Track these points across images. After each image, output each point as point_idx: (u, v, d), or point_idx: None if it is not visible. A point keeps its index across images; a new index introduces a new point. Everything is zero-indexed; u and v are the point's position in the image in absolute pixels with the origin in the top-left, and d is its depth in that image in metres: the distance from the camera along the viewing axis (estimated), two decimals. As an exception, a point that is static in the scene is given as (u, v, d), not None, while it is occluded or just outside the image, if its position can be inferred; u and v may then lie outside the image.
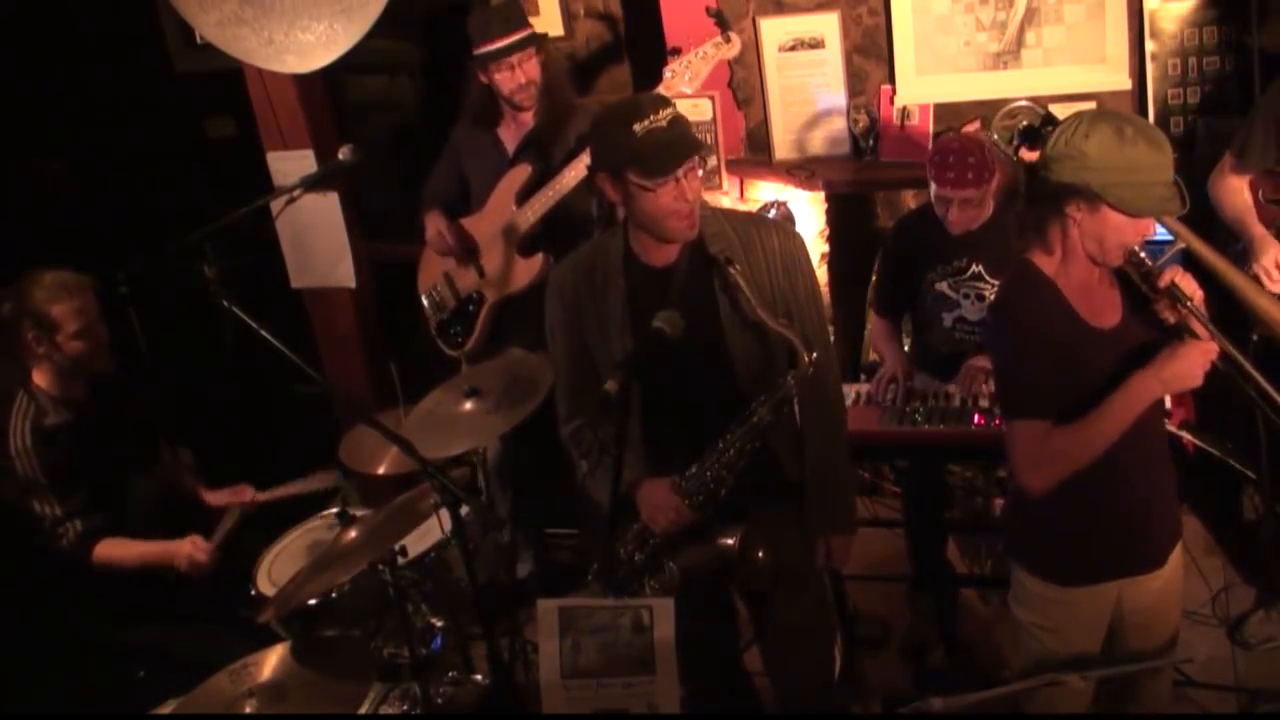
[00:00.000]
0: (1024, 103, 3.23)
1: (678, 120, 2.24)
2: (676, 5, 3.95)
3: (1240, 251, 3.14)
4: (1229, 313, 2.71)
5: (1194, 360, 2.08)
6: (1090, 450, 2.14)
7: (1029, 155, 2.67)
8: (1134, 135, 2.02)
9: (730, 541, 2.38)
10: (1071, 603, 2.34)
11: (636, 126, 2.20)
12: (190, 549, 2.99)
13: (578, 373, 2.50)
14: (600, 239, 2.53)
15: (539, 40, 3.42)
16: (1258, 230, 3.08)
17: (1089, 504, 2.23)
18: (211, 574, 3.01)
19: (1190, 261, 2.75)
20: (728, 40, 3.32)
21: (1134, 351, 2.20)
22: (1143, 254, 2.14)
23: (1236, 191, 3.12)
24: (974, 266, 3.24)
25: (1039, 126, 2.95)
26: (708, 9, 3.65)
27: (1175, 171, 2.07)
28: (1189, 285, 2.13)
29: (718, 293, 2.35)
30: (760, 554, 2.38)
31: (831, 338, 2.79)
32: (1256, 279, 3.05)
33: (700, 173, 2.29)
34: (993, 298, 2.40)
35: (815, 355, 2.27)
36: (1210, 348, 2.09)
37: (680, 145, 2.23)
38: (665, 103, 2.26)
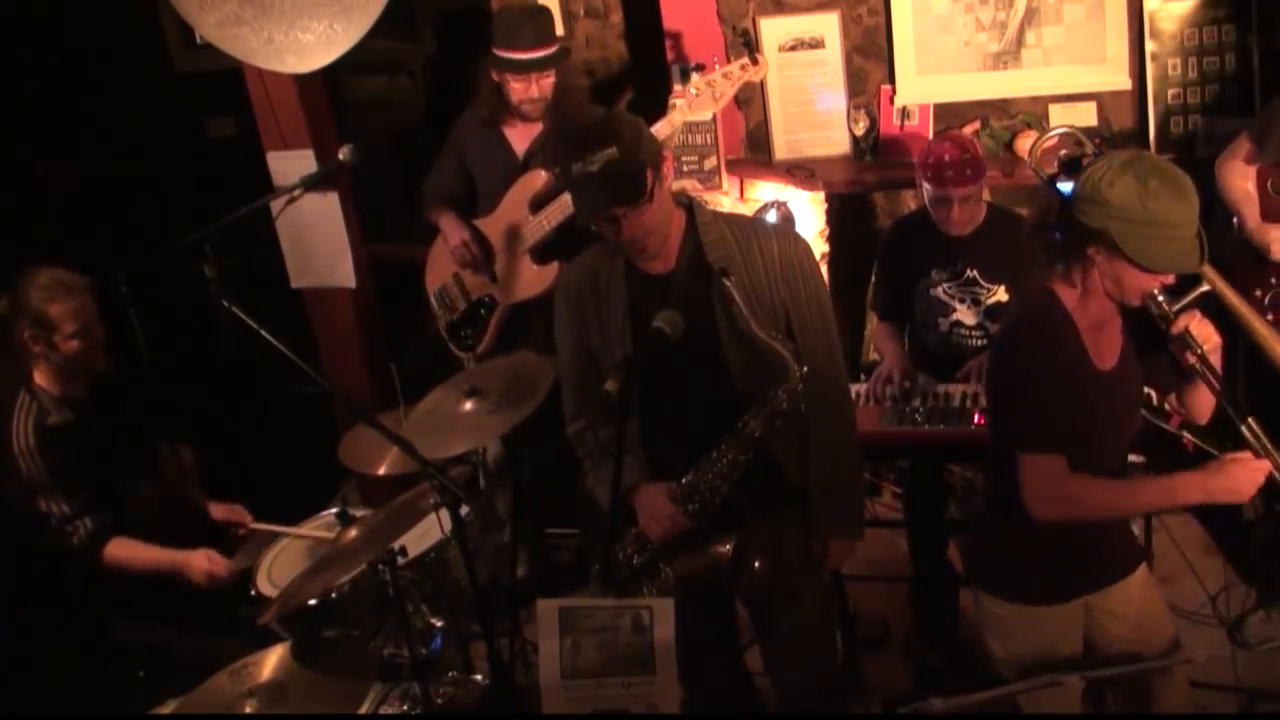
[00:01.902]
0: (1064, 129, 3.26)
1: (612, 164, 2.15)
2: (683, 18, 3.95)
3: (1242, 240, 3.16)
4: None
5: (1244, 479, 2.08)
6: (1104, 512, 2.18)
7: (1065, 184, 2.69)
8: (1158, 188, 2.01)
9: (724, 549, 2.37)
10: (1039, 623, 2.34)
11: (574, 166, 2.18)
12: (207, 564, 2.97)
13: (583, 375, 2.50)
14: (605, 245, 2.52)
15: (564, 58, 3.39)
16: (1253, 223, 3.14)
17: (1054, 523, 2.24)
18: (225, 589, 3.01)
19: (1213, 302, 2.76)
20: (755, 63, 3.31)
21: (1126, 394, 2.22)
22: (1161, 297, 2.13)
23: (1243, 177, 3.16)
24: (969, 271, 3.24)
25: (1079, 157, 2.96)
26: (734, 28, 3.65)
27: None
28: (1204, 331, 2.13)
29: (715, 301, 2.35)
30: (756, 564, 2.38)
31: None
32: (1270, 275, 3.10)
33: (647, 206, 2.20)
34: (1006, 322, 2.41)
35: (805, 369, 2.27)
36: (1261, 467, 2.08)
37: (600, 196, 2.18)
38: (607, 140, 2.16)
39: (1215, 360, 2.15)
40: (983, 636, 2.44)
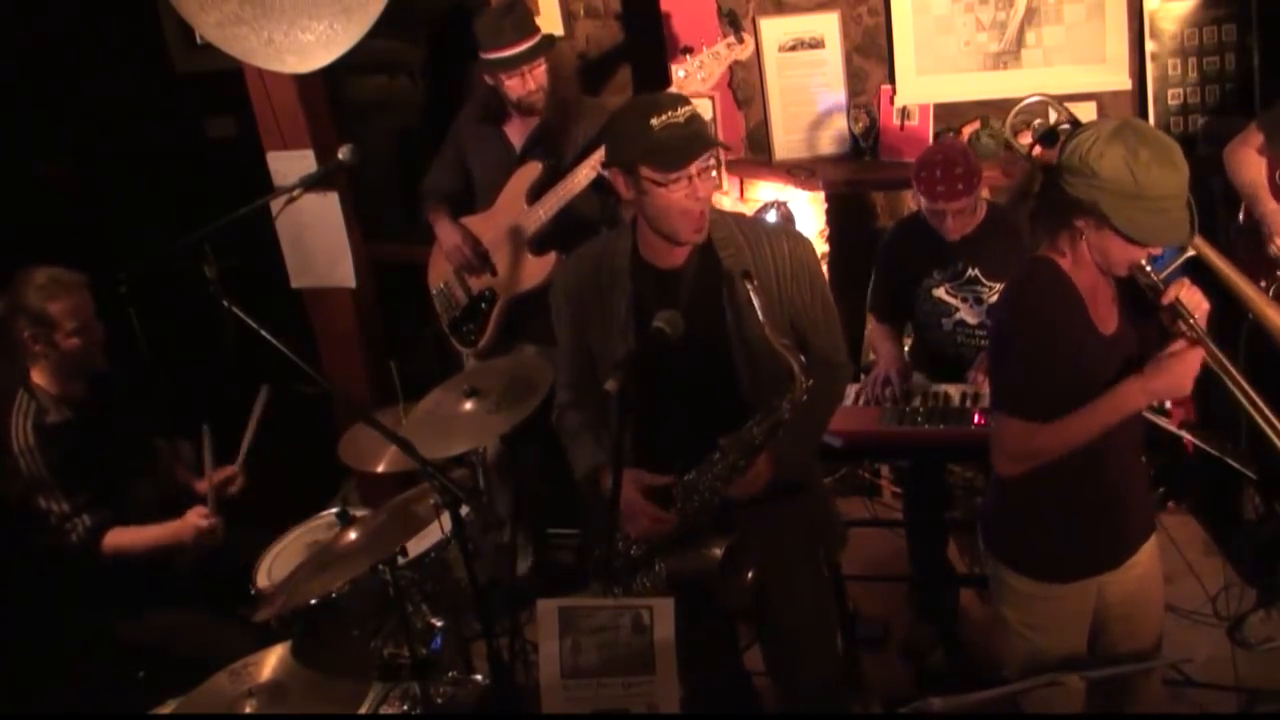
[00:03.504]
0: (1037, 97, 3.24)
1: (696, 117, 2.24)
2: (679, 4, 3.95)
3: (1245, 227, 3.15)
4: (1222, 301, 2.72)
5: (1181, 372, 2.10)
6: (1068, 448, 2.16)
7: (1045, 154, 2.66)
8: (1149, 159, 1.98)
9: (716, 552, 2.34)
10: (1057, 599, 2.35)
11: (654, 121, 2.19)
12: (194, 519, 2.99)
13: (578, 365, 2.51)
14: (607, 237, 2.51)
15: (549, 46, 3.40)
16: (1270, 206, 3.11)
17: (1072, 501, 2.25)
18: (222, 543, 3.02)
19: (1198, 267, 2.75)
20: (740, 41, 3.31)
21: (1128, 360, 2.21)
22: (1149, 267, 2.12)
23: (1255, 165, 3.15)
24: (971, 270, 3.24)
25: (1055, 126, 2.95)
26: (720, 9, 3.64)
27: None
28: (1194, 299, 2.13)
29: (725, 300, 2.34)
30: (750, 575, 2.35)
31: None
32: (1275, 258, 3.08)
33: (714, 175, 2.29)
34: (1007, 288, 2.36)
35: (811, 383, 2.25)
36: (1195, 356, 2.10)
37: (696, 140, 2.22)
38: (684, 100, 2.26)
39: (1203, 325, 2.15)
40: (997, 604, 2.45)
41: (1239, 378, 2.15)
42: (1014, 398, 2.20)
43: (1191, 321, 2.11)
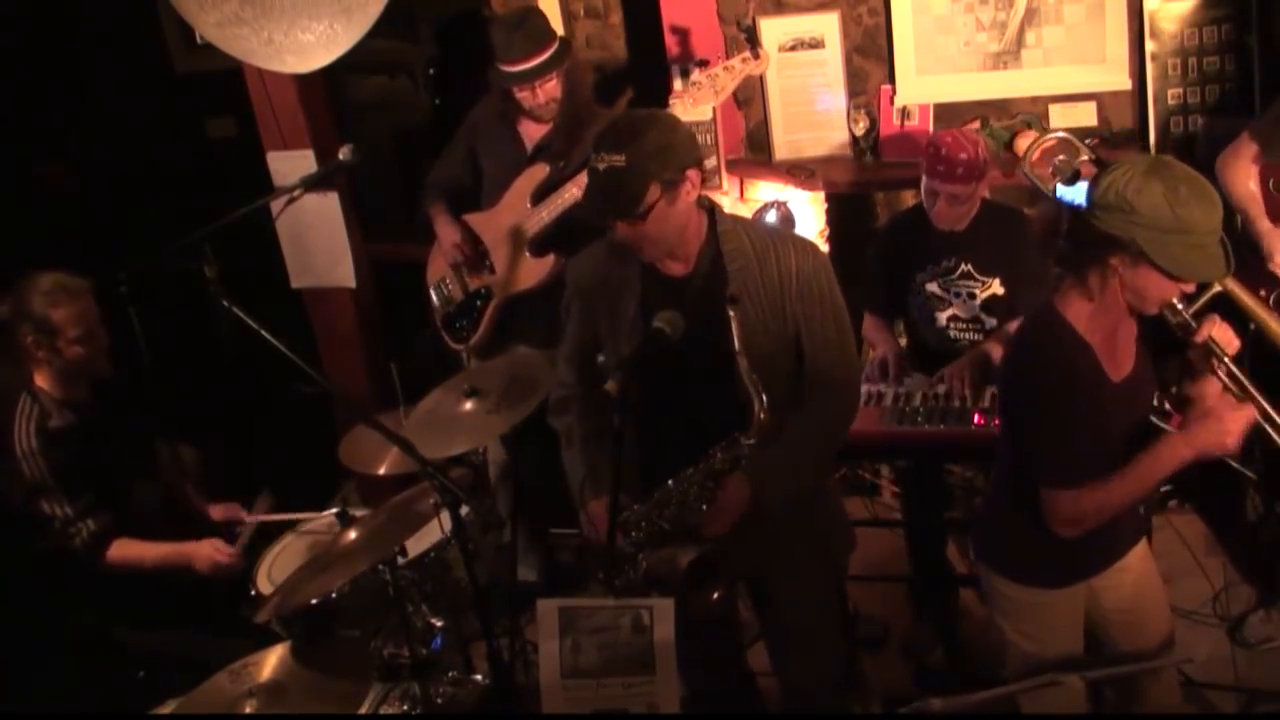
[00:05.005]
0: (1062, 134, 3.23)
1: (617, 173, 2.15)
2: (679, 5, 3.95)
3: (1243, 240, 3.14)
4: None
5: (1226, 429, 2.08)
6: (1119, 507, 2.17)
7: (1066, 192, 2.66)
8: (1187, 196, 1.97)
9: (683, 561, 2.29)
10: (1048, 604, 2.36)
11: (591, 157, 2.21)
12: (212, 552, 2.99)
13: (581, 351, 2.54)
14: (615, 239, 2.50)
15: (560, 61, 3.36)
16: (1264, 225, 3.07)
17: None
18: (233, 576, 3.03)
19: (1223, 300, 2.75)
20: (756, 57, 3.31)
21: (1142, 399, 2.21)
22: (1180, 305, 2.11)
23: (1249, 176, 3.10)
24: (963, 265, 3.25)
25: (1077, 168, 2.93)
26: (739, 23, 3.64)
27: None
28: (1225, 336, 2.12)
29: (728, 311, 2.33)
30: (715, 595, 2.30)
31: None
32: (1274, 276, 3.06)
33: (654, 216, 2.21)
34: (1014, 350, 2.35)
35: (765, 416, 2.20)
36: (1244, 415, 2.08)
37: (594, 199, 2.23)
38: (623, 144, 2.15)
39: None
40: (992, 615, 2.46)
41: (1271, 413, 2.13)
42: (1055, 469, 2.17)
43: (1225, 360, 2.10)
